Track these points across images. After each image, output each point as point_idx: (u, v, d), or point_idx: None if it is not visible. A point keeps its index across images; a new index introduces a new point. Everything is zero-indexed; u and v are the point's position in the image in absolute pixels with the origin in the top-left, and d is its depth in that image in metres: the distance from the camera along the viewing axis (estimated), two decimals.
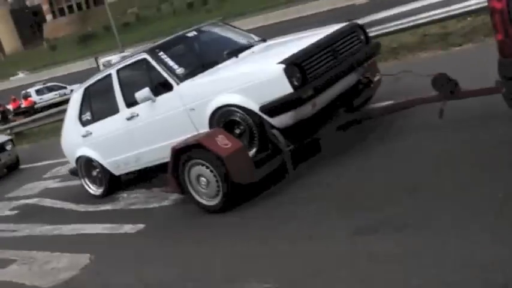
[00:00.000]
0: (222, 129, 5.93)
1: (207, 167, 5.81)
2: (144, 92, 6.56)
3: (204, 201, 6.00)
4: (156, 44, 6.98)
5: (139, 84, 6.72)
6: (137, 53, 6.95)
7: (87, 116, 7.87)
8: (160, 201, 7.00)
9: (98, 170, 8.09)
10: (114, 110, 7.26)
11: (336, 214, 4.82)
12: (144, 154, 7.13)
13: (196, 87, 6.25)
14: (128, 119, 7.05)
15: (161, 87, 6.53)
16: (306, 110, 5.76)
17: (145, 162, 7.28)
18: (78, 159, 8.22)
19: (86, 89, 7.89)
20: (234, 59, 6.60)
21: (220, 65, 6.52)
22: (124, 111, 7.12)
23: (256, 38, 7.40)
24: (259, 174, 5.77)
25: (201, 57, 6.97)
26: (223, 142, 5.69)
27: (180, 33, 7.23)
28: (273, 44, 7.01)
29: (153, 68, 6.62)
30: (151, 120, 6.75)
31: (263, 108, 5.75)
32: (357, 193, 5.06)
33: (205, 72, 6.42)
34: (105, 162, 7.83)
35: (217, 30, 7.61)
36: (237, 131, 6.01)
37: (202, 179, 5.91)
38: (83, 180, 8.40)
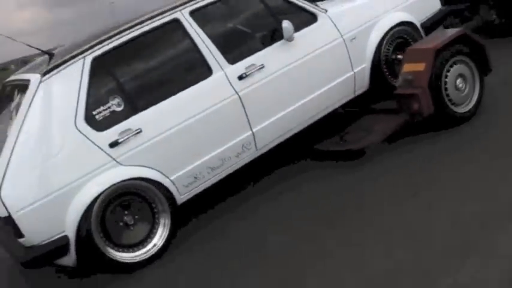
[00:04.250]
0: None
1: (467, 64, 4.87)
2: (290, 25, 4.72)
3: (458, 110, 4.83)
4: None
5: (243, 26, 4.92)
6: None
7: (112, 107, 4.26)
8: None
9: (137, 208, 4.31)
10: (196, 76, 4.52)
11: None
12: (275, 127, 4.74)
13: (363, 6, 5.33)
14: (242, 77, 4.58)
15: (302, 18, 4.97)
16: None
17: (264, 145, 4.74)
18: (94, 202, 4.09)
19: (100, 59, 4.30)
20: None
21: None
22: (227, 70, 4.56)
23: None
24: None
25: None
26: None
27: None
28: None
29: None
30: (289, 69, 4.78)
31: None
32: None
33: None
34: (172, 178, 4.34)
35: None
36: None
37: (460, 81, 4.85)
38: (111, 250, 4.20)
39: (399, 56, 5.31)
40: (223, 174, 4.57)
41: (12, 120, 4.13)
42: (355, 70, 5.16)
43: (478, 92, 4.93)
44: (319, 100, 4.96)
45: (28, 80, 4.20)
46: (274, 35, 4.79)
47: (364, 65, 5.23)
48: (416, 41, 5.35)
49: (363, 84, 5.29)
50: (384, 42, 5.28)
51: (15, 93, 4.39)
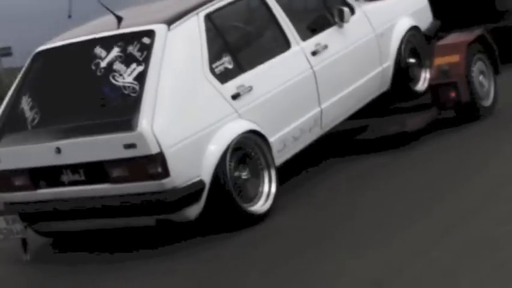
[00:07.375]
0: None
1: (484, 62, 5.63)
2: (348, 11, 5.32)
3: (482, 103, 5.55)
4: None
5: (307, 8, 5.59)
6: None
7: (225, 63, 4.61)
8: None
9: (248, 163, 4.58)
10: (280, 47, 4.98)
11: None
12: (334, 107, 5.19)
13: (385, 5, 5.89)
14: (314, 53, 5.09)
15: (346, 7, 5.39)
16: None
17: (325, 125, 5.15)
18: (227, 150, 4.37)
19: (209, 17, 4.65)
20: None
21: None
22: (301, 45, 5.03)
23: None
24: None
25: None
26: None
27: None
28: None
29: None
30: (345, 53, 5.31)
31: None
32: None
33: None
34: (271, 140, 4.67)
35: None
36: None
37: (482, 77, 5.63)
38: (240, 200, 4.41)
39: (411, 60, 5.80)
40: (298, 147, 4.95)
41: (129, 69, 4.34)
42: (383, 66, 5.63)
43: (493, 89, 5.60)
44: (360, 90, 5.41)
45: (148, 31, 4.43)
46: (330, 19, 5.31)
47: (389, 63, 5.70)
48: (422, 47, 5.89)
49: (387, 82, 5.73)
50: (403, 43, 5.75)
51: (104, 48, 4.51)
